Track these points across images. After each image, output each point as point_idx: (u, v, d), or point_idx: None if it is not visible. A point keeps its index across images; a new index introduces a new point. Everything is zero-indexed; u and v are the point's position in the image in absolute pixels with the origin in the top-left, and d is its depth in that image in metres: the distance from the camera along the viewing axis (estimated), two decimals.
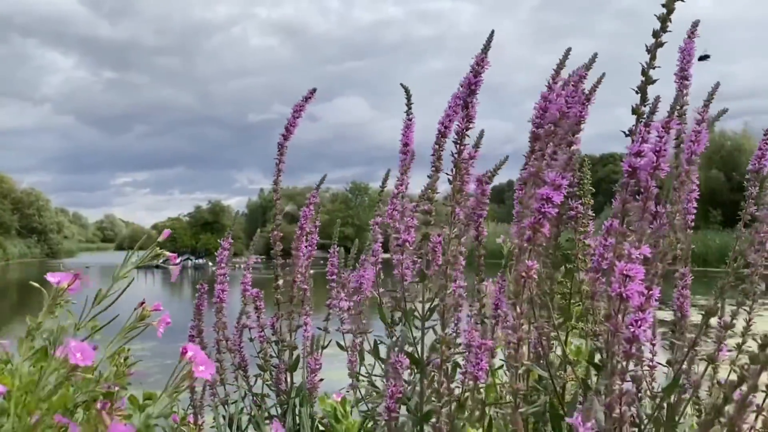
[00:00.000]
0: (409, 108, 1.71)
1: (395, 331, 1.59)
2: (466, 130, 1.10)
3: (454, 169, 1.08)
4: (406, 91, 1.70)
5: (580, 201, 1.36)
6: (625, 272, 0.79)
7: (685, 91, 1.39)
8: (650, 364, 1.44)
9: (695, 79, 1.38)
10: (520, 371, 0.89)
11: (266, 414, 2.13)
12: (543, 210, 0.98)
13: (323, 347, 2.26)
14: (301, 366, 2.14)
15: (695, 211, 1.36)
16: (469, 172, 1.09)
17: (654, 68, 1.09)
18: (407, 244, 1.31)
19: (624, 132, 1.10)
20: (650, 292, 0.80)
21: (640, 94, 1.08)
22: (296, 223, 2.21)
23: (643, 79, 1.08)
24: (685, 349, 1.10)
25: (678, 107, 1.39)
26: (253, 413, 2.13)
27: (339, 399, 0.90)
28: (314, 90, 2.04)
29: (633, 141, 1.09)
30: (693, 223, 1.35)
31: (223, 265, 2.08)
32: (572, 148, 1.35)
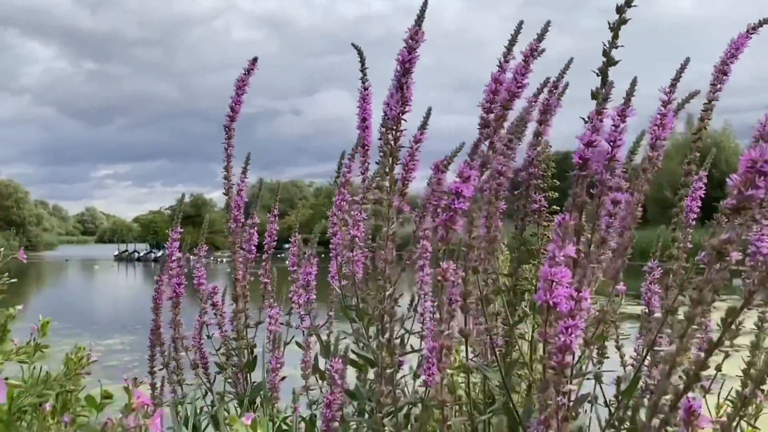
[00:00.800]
0: (364, 75, 1.51)
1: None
2: (402, 114, 0.99)
3: (390, 158, 0.97)
4: (360, 53, 1.50)
5: (543, 194, 1.29)
6: (550, 277, 0.71)
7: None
8: (633, 364, 1.39)
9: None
10: (444, 382, 0.80)
11: (225, 413, 2.04)
12: (453, 206, 0.90)
13: (286, 344, 2.17)
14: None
15: (698, 210, 1.33)
16: (415, 159, 0.99)
17: (616, 47, 1.00)
18: (357, 239, 1.23)
19: (583, 118, 1.00)
20: (580, 295, 0.72)
21: (600, 77, 0.99)
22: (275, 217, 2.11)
23: (605, 60, 0.99)
24: (646, 349, 1.03)
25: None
26: (212, 412, 2.05)
27: (249, 422, 0.83)
28: (255, 59, 1.90)
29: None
30: (694, 222, 1.33)
31: (174, 257, 1.96)
32: (539, 138, 1.27)
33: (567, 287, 0.72)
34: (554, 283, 0.71)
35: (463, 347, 1.51)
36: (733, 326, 0.82)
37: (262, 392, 1.97)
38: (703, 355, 0.70)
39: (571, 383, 0.91)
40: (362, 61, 1.53)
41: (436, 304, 0.87)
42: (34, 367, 1.43)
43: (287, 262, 2.10)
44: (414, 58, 1.01)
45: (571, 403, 0.92)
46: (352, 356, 1.19)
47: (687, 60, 1.23)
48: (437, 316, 0.81)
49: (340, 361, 0.90)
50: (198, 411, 2.00)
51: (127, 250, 53.31)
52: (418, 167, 1.18)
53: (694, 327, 0.64)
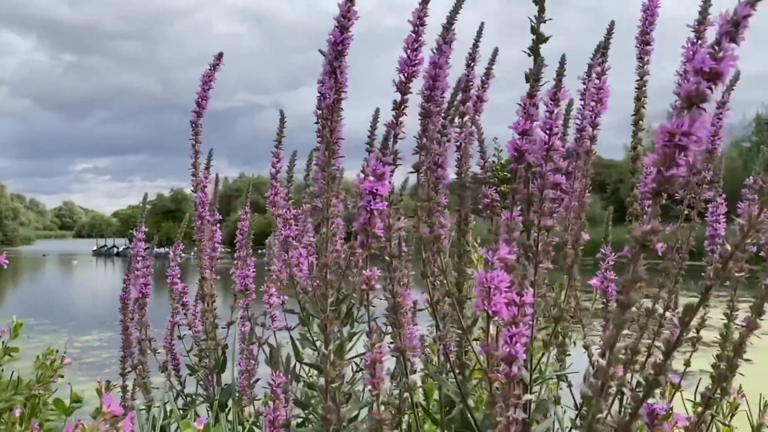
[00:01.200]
0: None
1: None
2: (338, 103, 0.89)
3: (326, 152, 0.87)
4: (324, 56, 1.52)
5: (494, 188, 1.25)
6: (487, 284, 0.66)
7: (646, 58, 1.25)
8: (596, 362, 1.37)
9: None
10: (380, 399, 0.77)
11: (196, 415, 2.01)
12: (370, 207, 0.82)
13: (260, 344, 2.14)
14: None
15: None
16: (336, 153, 0.90)
17: (544, 21, 0.89)
18: (290, 240, 1.17)
19: (520, 104, 0.88)
20: (522, 299, 0.66)
21: (532, 56, 0.88)
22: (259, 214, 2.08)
23: (534, 37, 0.88)
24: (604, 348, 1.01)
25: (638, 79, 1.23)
26: (182, 414, 2.02)
27: (201, 426, 0.82)
28: (221, 55, 1.87)
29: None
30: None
31: (139, 258, 1.92)
32: (463, 119, 1.16)
33: (507, 292, 0.67)
34: (492, 290, 0.67)
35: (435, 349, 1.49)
36: (691, 323, 0.80)
37: (232, 395, 1.94)
38: (661, 357, 0.67)
39: (531, 390, 0.89)
40: (325, 57, 1.52)
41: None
42: (2, 370, 1.39)
43: (264, 258, 2.07)
44: (347, 38, 0.91)
45: (533, 409, 0.90)
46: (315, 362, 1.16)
47: (612, 24, 1.15)
48: (371, 326, 0.77)
49: (281, 375, 0.86)
50: (168, 414, 1.96)
51: (105, 245, 52.60)
52: (340, 163, 1.11)
53: (626, 333, 0.57)
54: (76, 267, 35.64)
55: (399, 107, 0.99)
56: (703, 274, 1.42)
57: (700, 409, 1.46)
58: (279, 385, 0.84)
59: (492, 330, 0.71)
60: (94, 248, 51.85)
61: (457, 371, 0.97)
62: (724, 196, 1.38)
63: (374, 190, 0.82)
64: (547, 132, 0.83)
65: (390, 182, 0.87)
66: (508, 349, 0.65)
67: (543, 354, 0.95)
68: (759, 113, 30.18)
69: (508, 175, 1.23)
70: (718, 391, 1.27)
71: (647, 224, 0.54)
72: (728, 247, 0.72)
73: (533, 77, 0.82)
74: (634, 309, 0.63)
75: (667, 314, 1.33)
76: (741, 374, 1.71)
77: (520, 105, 0.84)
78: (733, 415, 1.76)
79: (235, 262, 2.14)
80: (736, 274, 0.77)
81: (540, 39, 0.86)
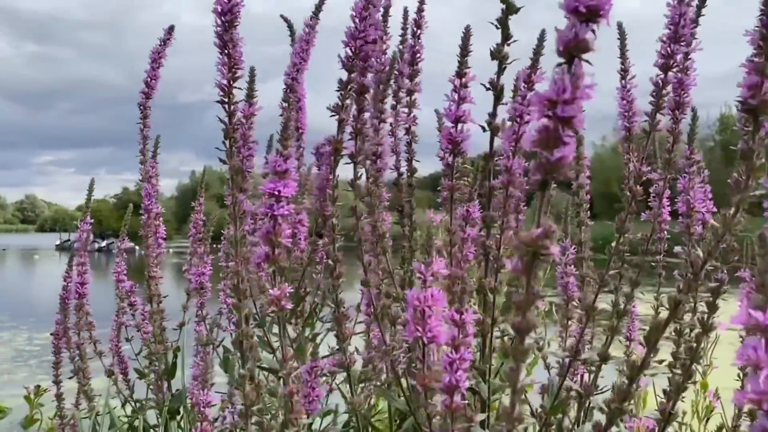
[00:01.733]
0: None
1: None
2: (233, 81, 0.75)
3: (227, 141, 0.74)
4: (290, 27, 1.37)
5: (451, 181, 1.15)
6: (419, 305, 0.54)
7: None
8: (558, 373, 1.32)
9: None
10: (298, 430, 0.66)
11: (145, 423, 1.90)
12: (274, 213, 0.68)
13: (215, 346, 2.03)
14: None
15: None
16: (250, 142, 0.78)
17: None
18: (248, 233, 1.08)
19: (484, 85, 0.78)
20: (463, 318, 0.55)
21: (501, 29, 0.76)
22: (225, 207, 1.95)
23: (504, 7, 0.77)
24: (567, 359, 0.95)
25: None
26: (130, 421, 1.90)
27: None
28: (172, 28, 1.73)
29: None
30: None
31: (83, 252, 1.78)
32: (412, 97, 1.07)
33: (443, 312, 0.56)
34: (426, 313, 0.55)
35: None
36: (657, 345, 0.74)
37: (183, 401, 1.83)
38: (626, 381, 0.61)
39: (489, 403, 0.82)
40: (292, 35, 1.39)
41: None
42: None
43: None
44: (236, 5, 0.76)
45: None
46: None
47: None
48: (281, 353, 0.67)
49: (208, 393, 0.76)
50: (113, 422, 1.84)
51: (69, 240, 51.27)
52: (255, 151, 0.91)
53: (522, 379, 0.42)
54: (38, 262, 34.65)
55: (345, 88, 0.85)
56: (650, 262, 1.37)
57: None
58: (208, 404, 0.73)
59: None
60: (58, 243, 50.55)
61: (407, 383, 0.88)
62: (666, 177, 1.31)
63: (276, 192, 0.67)
64: (517, 120, 0.72)
65: (336, 175, 0.77)
66: (448, 378, 0.54)
67: (503, 363, 0.88)
68: (723, 113, 30.97)
69: (469, 167, 1.15)
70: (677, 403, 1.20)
71: (536, 225, 0.40)
72: (700, 253, 0.63)
73: (461, 53, 0.72)
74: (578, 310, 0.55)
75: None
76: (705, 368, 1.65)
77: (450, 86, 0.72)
78: (708, 418, 1.71)
79: (188, 257, 2.03)
80: (710, 285, 0.70)
81: (510, 9, 0.75)
